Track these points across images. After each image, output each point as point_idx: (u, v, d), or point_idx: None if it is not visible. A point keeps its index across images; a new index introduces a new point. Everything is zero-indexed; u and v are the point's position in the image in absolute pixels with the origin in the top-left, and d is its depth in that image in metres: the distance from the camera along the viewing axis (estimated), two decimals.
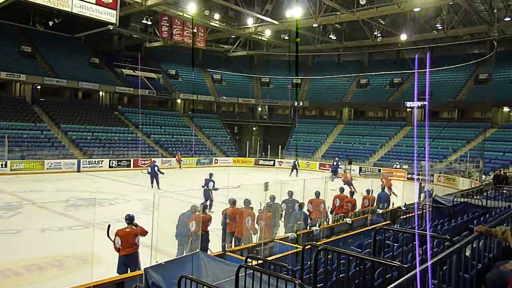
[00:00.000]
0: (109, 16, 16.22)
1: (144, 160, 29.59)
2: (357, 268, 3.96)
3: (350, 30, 37.62)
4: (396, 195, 16.98)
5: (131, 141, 32.86)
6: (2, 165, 23.48)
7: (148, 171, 20.75)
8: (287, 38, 37.20)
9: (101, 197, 17.21)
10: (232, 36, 39.52)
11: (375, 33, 33.79)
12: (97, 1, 14.57)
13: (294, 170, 29.01)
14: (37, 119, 30.48)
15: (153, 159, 26.38)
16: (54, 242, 10.66)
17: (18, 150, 25.61)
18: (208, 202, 13.74)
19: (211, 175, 15.89)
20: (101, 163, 28.00)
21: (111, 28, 17.44)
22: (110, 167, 28.18)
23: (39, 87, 32.72)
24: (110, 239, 7.31)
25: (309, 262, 4.59)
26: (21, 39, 34.65)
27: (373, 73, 41.27)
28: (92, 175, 25.35)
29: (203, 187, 14.98)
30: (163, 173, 20.66)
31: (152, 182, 19.97)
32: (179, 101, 41.47)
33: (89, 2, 14.50)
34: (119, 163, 28.96)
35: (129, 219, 7.46)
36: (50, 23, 16.34)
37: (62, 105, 33.90)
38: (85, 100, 36.83)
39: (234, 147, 39.75)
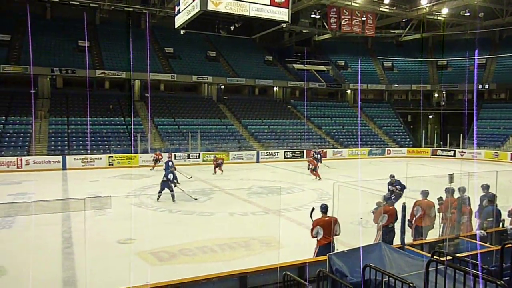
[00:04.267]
0: (282, 15, 16.95)
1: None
2: None
3: None
4: None
5: (304, 133, 34.05)
6: (196, 156, 27.14)
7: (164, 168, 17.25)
8: (468, 14, 33.18)
9: (278, 186, 18.38)
10: (403, 20, 37.24)
11: None
12: (271, 2, 15.41)
13: None
14: (221, 115, 34.23)
15: (167, 154, 21.43)
16: (241, 225, 11.83)
17: (207, 143, 29.18)
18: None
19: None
20: (277, 154, 29.81)
21: (284, 26, 18.30)
22: (285, 158, 29.80)
23: (222, 86, 36.66)
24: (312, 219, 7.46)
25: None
26: (207, 45, 39.29)
27: None
28: (270, 165, 27.18)
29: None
30: (175, 170, 16.21)
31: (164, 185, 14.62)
32: (348, 91, 41.16)
33: (264, 4, 15.44)
34: (293, 154, 30.35)
35: (325, 208, 7.38)
36: (232, 28, 17.88)
37: (242, 101, 37.27)
38: (261, 96, 39.69)
39: (408, 137, 37.55)
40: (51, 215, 12.19)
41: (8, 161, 22.77)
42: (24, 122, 26.79)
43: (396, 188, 11.82)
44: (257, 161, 28.80)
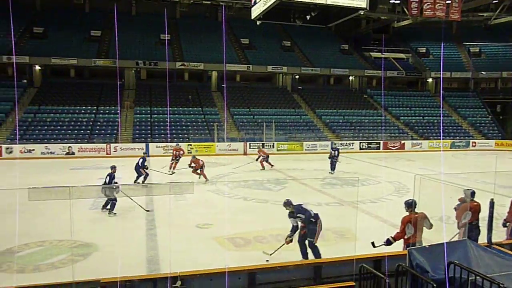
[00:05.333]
0: (360, 2, 16.41)
1: (394, 142, 29.31)
2: None
3: None
4: None
5: (380, 123, 32.94)
6: (270, 146, 27.44)
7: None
8: None
9: (352, 177, 18.03)
10: (493, 1, 34.22)
11: None
12: None
13: None
14: (296, 105, 34.18)
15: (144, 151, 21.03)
16: None
17: (282, 133, 29.34)
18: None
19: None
20: (352, 145, 29.18)
21: (361, 14, 17.73)
22: (360, 149, 29.07)
23: (297, 76, 36.52)
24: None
25: None
26: (282, 35, 39.32)
27: None
28: (344, 156, 26.65)
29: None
30: (146, 173, 15.28)
31: (136, 179, 15.20)
32: (430, 80, 38.97)
33: None
34: (368, 145, 29.51)
35: (410, 204, 6.78)
36: (307, 17, 17.66)
37: (316, 91, 36.88)
38: (336, 86, 38.97)
39: (497, 129, 34.72)
40: (136, 198, 13.07)
41: (98, 148, 24.78)
42: (112, 111, 28.86)
43: None
44: None
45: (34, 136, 25.53)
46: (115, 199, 11.24)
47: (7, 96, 28.57)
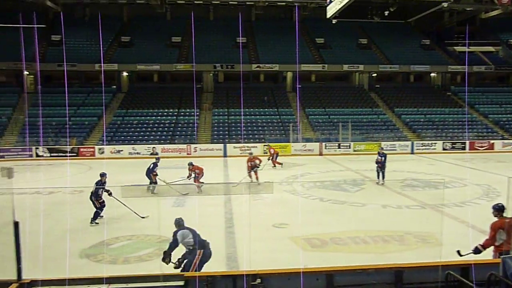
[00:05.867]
0: None
1: (482, 142, 27.30)
2: None
3: None
4: None
5: (466, 122, 30.83)
6: (347, 146, 26.91)
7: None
8: None
9: (435, 179, 17.10)
10: None
11: None
12: None
13: None
14: (373, 104, 33.18)
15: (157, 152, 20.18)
16: (395, 218, 11.39)
17: (358, 133, 28.64)
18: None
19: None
20: (434, 145, 27.64)
21: (444, 6, 16.77)
22: (443, 149, 27.44)
23: (374, 74, 35.45)
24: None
25: None
26: (358, 33, 38.37)
27: None
28: (426, 157, 25.40)
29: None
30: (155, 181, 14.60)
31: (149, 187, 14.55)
32: None
33: None
34: (453, 145, 27.76)
35: (499, 209, 6.27)
36: (386, 13, 17.17)
37: (395, 89, 35.51)
38: (416, 83, 37.23)
39: None
40: (215, 196, 13.57)
41: (179, 148, 26.08)
42: (192, 114, 30.17)
43: None
44: (412, 152, 27.17)
45: (123, 137, 27.52)
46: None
47: (100, 101, 31.11)
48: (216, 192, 14.54)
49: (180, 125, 29.40)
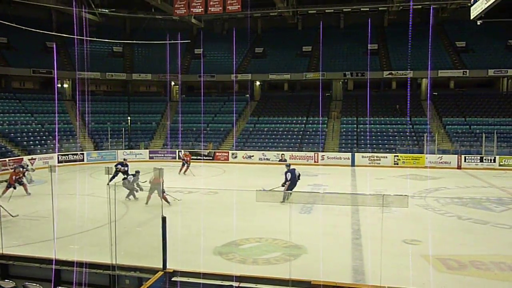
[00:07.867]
0: None
1: None
2: None
3: None
4: None
5: None
6: (490, 160, 24.17)
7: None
8: None
9: None
10: None
11: None
12: None
13: None
14: None
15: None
16: None
17: (506, 146, 25.51)
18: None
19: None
20: None
21: None
22: None
23: None
24: None
25: None
26: (507, 34, 34.14)
27: None
28: None
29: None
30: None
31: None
32: None
33: None
34: None
35: None
36: None
37: None
38: None
39: None
40: (342, 206, 13.44)
41: (307, 156, 26.40)
42: (320, 122, 30.30)
43: None
44: None
45: (254, 143, 28.95)
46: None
47: (236, 108, 33.18)
48: (345, 202, 14.40)
49: (308, 132, 29.77)
